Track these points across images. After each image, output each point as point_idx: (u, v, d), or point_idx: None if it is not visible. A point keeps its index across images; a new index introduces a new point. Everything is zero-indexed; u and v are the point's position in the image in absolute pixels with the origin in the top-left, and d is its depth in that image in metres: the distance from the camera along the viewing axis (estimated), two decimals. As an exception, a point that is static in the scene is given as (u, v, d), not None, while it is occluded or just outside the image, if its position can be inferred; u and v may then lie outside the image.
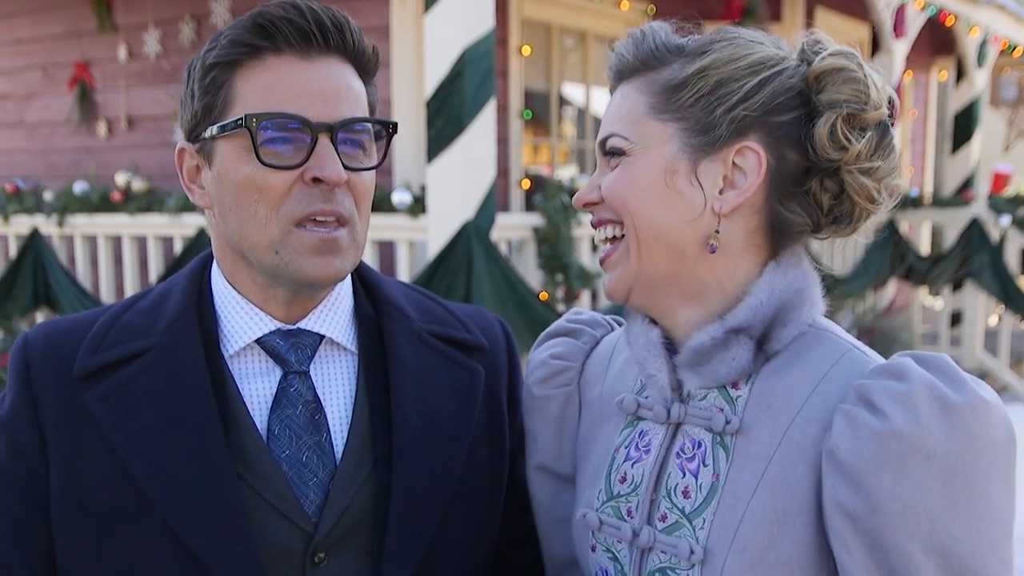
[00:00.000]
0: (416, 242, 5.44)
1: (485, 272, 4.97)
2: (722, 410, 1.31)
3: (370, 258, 5.52)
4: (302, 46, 1.33)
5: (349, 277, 1.51)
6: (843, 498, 1.16)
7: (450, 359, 1.55)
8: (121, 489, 1.33)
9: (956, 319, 9.10)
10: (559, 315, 5.60)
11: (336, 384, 1.48)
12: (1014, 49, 11.24)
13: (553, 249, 5.71)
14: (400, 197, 5.31)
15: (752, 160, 1.28)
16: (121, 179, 6.93)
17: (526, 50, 7.36)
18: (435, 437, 1.47)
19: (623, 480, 1.40)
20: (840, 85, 1.27)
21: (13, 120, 8.83)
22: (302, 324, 1.45)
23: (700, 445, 1.33)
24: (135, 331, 1.42)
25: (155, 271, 6.75)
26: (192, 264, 1.51)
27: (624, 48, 1.37)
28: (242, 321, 1.43)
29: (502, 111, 7.05)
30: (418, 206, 5.27)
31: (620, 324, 1.57)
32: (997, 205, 8.45)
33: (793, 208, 1.31)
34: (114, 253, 7.22)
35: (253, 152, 1.30)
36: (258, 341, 1.43)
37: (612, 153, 1.35)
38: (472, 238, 4.94)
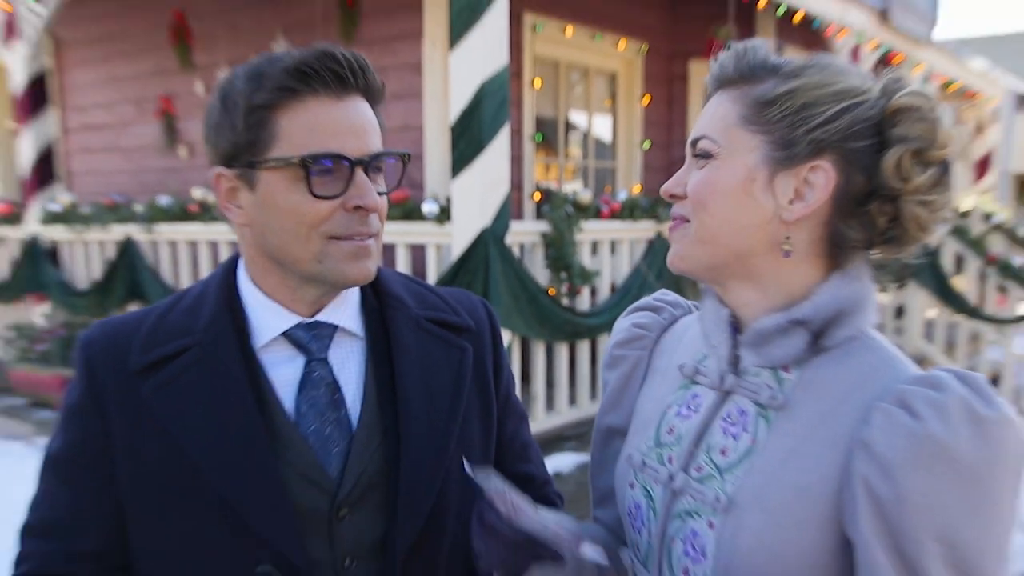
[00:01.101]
0: (442, 245, 5.39)
1: (500, 271, 4.96)
2: (770, 387, 1.28)
3: (404, 259, 5.50)
4: (336, 88, 1.32)
5: None
6: (874, 484, 1.12)
7: (443, 340, 1.54)
8: (177, 468, 1.35)
9: (900, 312, 9.06)
10: (564, 307, 5.66)
11: (349, 367, 1.47)
12: (950, 85, 11.19)
13: (558, 251, 5.67)
14: (429, 207, 5.28)
15: (822, 178, 1.23)
16: (198, 194, 6.94)
17: (537, 83, 7.30)
18: (433, 408, 1.48)
19: (670, 432, 1.39)
20: (913, 123, 1.21)
21: (111, 146, 8.84)
22: (319, 317, 1.44)
23: (744, 414, 1.30)
24: (179, 330, 1.41)
25: (226, 270, 6.74)
26: (220, 271, 1.49)
27: (727, 60, 1.31)
28: (269, 318, 1.43)
29: (517, 135, 7.01)
30: (444, 215, 5.23)
31: (698, 308, 1.53)
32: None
33: (852, 225, 1.26)
34: (191, 255, 7.22)
35: (303, 183, 1.31)
36: (284, 334, 1.42)
37: (701, 155, 1.30)
38: (489, 242, 4.93)
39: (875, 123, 1.23)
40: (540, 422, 5.68)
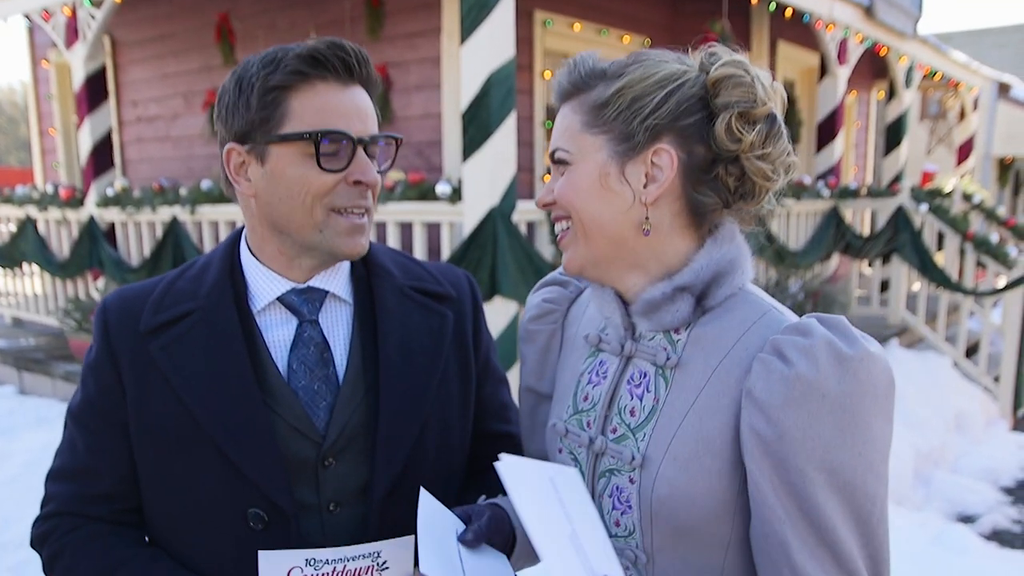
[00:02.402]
0: (455, 223, 5.41)
1: (508, 246, 4.96)
2: (665, 349, 1.30)
3: (421, 236, 5.50)
4: (343, 75, 1.36)
5: None
6: (757, 427, 1.16)
7: (425, 307, 1.56)
8: (179, 420, 1.38)
9: (885, 285, 8.98)
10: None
11: (337, 329, 1.49)
12: (935, 74, 11.05)
13: (562, 228, 5.66)
14: (442, 188, 5.28)
15: (666, 159, 1.25)
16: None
17: (547, 74, 7.28)
18: (412, 367, 1.49)
19: (585, 399, 1.40)
20: (732, 89, 1.24)
21: (162, 136, 8.92)
22: (311, 283, 1.47)
23: (645, 375, 1.32)
24: (184, 295, 1.45)
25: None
26: (226, 241, 1.52)
27: (561, 75, 1.33)
28: (265, 284, 1.45)
29: (528, 121, 7.00)
30: (456, 195, 5.23)
31: None
32: (918, 196, 8.28)
33: (705, 192, 1.28)
34: (233, 234, 7.26)
35: (311, 157, 1.34)
36: (279, 299, 1.45)
37: (559, 163, 1.32)
38: (497, 220, 4.94)
39: (700, 98, 1.25)
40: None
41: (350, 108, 1.36)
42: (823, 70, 8.47)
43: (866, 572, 1.16)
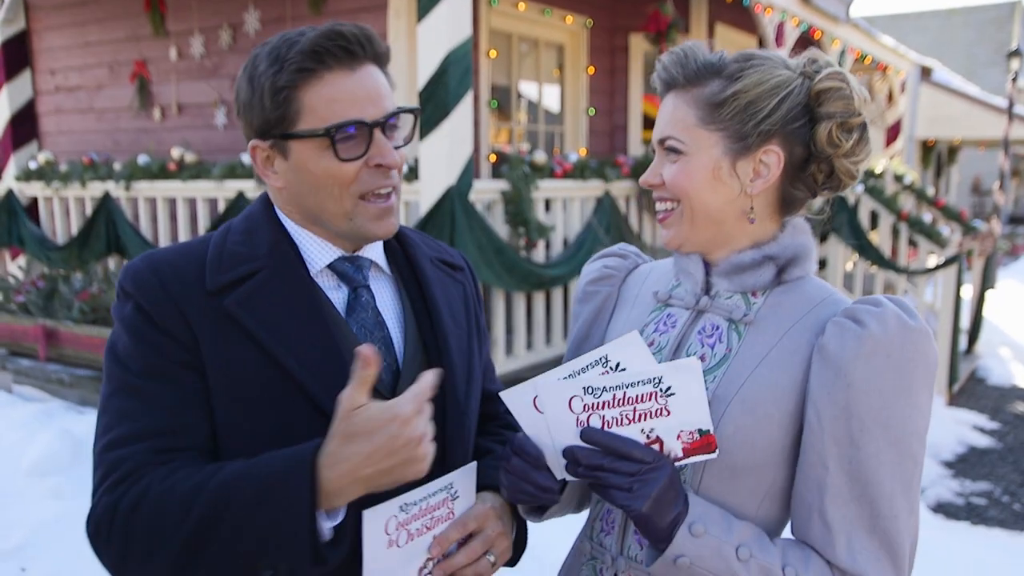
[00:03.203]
0: (411, 202, 5.43)
1: (466, 226, 5.02)
2: (742, 307, 1.45)
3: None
4: (348, 61, 1.39)
5: None
6: (826, 377, 1.31)
7: (450, 276, 1.68)
8: (267, 373, 1.38)
9: (822, 264, 9.22)
10: (526, 259, 5.72)
11: (383, 295, 1.56)
12: (865, 58, 11.41)
13: (517, 208, 5.75)
14: (398, 167, 5.28)
15: (773, 158, 1.41)
16: (176, 153, 6.86)
17: (493, 53, 7.32)
18: (459, 328, 1.61)
19: (651, 344, 1.52)
20: (835, 101, 1.39)
21: (84, 107, 8.65)
22: (359, 253, 1.53)
23: (717, 328, 1.46)
24: (242, 257, 1.44)
25: (203, 225, 6.70)
26: (258, 208, 1.53)
27: (672, 66, 1.45)
28: (317, 250, 1.50)
29: (474, 101, 7.03)
30: (412, 174, 5.26)
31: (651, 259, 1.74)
32: (852, 177, 8.56)
33: (798, 187, 1.45)
34: (170, 212, 7.16)
35: (330, 151, 1.38)
36: (330, 265, 1.50)
37: (671, 150, 1.44)
38: (454, 199, 4.99)
39: (805, 105, 1.41)
40: (500, 365, 5.78)
41: (360, 93, 1.39)
42: (761, 52, 8.67)
43: (905, 529, 1.30)
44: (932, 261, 8.17)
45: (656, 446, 1.31)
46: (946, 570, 4.30)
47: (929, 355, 1.31)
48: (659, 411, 1.30)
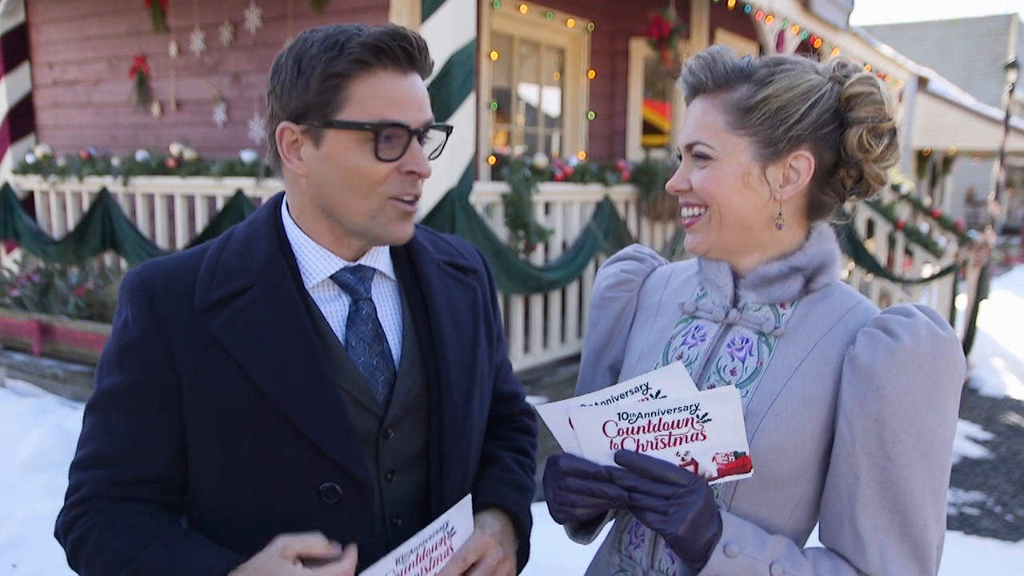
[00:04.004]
0: (411, 203, 5.42)
1: (466, 227, 5.03)
2: (771, 320, 1.44)
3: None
4: (404, 64, 1.39)
5: None
6: (859, 389, 1.31)
7: (459, 280, 1.64)
8: (246, 397, 1.39)
9: (817, 272, 9.29)
10: (525, 262, 5.73)
11: (386, 305, 1.54)
12: (865, 66, 11.43)
13: (517, 211, 5.75)
14: (399, 168, 5.28)
15: (804, 164, 1.39)
16: (175, 149, 6.85)
17: (494, 55, 7.33)
18: (461, 338, 1.58)
19: (680, 357, 1.51)
20: (866, 106, 1.37)
21: (83, 101, 8.63)
22: (362, 261, 1.51)
23: (747, 341, 1.44)
24: (235, 271, 1.44)
25: (201, 223, 6.68)
26: (263, 215, 1.53)
27: (700, 70, 1.43)
28: (317, 261, 1.48)
29: (475, 103, 7.04)
30: (413, 175, 5.25)
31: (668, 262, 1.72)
32: (849, 186, 8.60)
33: (828, 192, 1.44)
34: (167, 208, 7.15)
35: (369, 145, 1.37)
36: (331, 276, 1.49)
37: (699, 156, 1.42)
38: (455, 201, 4.99)
39: (835, 110, 1.38)
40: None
41: (409, 98, 1.39)
42: (761, 59, 8.70)
43: (934, 538, 1.32)
44: (928, 271, 8.21)
45: (691, 468, 1.31)
46: (940, 580, 4.31)
47: (958, 365, 1.32)
48: (695, 436, 1.30)
